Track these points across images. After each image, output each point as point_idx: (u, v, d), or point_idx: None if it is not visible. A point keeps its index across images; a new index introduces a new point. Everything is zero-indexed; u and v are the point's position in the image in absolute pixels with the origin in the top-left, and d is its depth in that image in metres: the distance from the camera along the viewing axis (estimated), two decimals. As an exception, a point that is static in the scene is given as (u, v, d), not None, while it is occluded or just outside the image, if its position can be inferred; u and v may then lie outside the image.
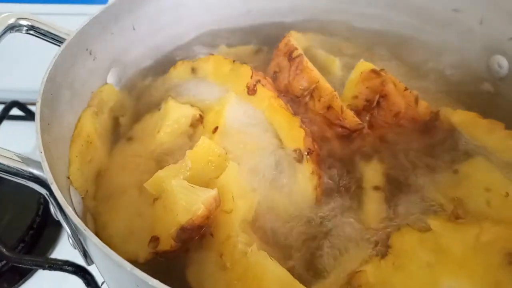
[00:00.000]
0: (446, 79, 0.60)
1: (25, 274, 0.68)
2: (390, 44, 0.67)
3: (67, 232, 0.43)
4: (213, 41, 0.68)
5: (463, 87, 0.59)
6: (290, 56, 0.56)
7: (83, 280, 0.56)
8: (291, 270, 0.38)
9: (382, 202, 0.45)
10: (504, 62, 0.59)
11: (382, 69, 0.53)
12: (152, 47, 0.65)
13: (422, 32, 0.67)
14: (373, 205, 0.45)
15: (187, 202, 0.39)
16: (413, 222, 0.43)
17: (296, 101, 0.54)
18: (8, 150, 0.39)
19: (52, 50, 0.48)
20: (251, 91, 0.51)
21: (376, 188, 0.47)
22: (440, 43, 0.66)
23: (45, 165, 0.37)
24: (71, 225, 0.41)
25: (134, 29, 0.61)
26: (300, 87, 0.55)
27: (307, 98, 0.54)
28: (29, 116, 0.86)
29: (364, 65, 0.53)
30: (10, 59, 0.89)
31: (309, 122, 0.51)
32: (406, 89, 0.52)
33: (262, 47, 0.66)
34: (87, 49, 0.53)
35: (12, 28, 0.49)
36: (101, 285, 0.58)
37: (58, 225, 0.67)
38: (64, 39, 0.50)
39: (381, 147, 0.51)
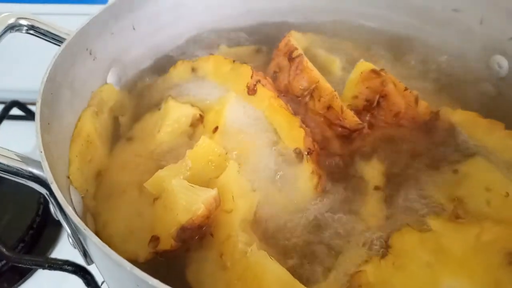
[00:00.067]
0: (446, 79, 0.60)
1: (25, 273, 0.68)
2: (390, 44, 0.67)
3: (67, 232, 0.43)
4: (213, 41, 0.68)
5: (463, 87, 0.59)
6: (290, 56, 0.56)
7: (83, 279, 0.56)
8: (291, 270, 0.38)
9: (382, 202, 0.45)
10: (504, 62, 0.59)
11: (382, 69, 0.53)
12: (152, 47, 0.65)
13: (422, 32, 0.67)
14: (373, 205, 0.45)
15: (187, 202, 0.39)
16: (413, 222, 0.43)
17: (296, 101, 0.54)
18: (8, 150, 0.39)
19: (52, 50, 0.48)
20: (251, 91, 0.51)
21: (376, 188, 0.47)
22: (440, 43, 0.66)
23: (45, 164, 0.37)
24: (71, 225, 0.41)
25: (134, 29, 0.61)
26: (300, 87, 0.55)
27: (307, 98, 0.54)
28: (29, 116, 0.86)
29: (364, 65, 0.53)
30: (10, 59, 0.89)
31: (309, 122, 0.51)
32: (406, 89, 0.52)
33: (262, 47, 0.66)
34: (87, 49, 0.53)
35: (12, 28, 0.49)
36: (101, 284, 0.58)
37: (58, 225, 0.68)
38: (64, 39, 0.50)
39: (381, 147, 0.51)
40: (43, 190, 0.40)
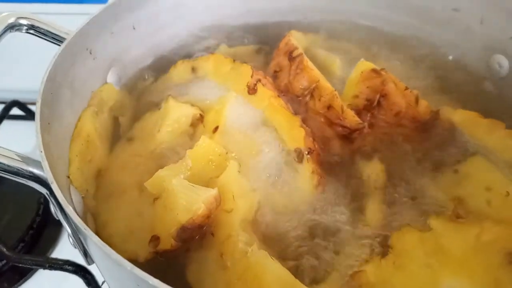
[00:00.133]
0: (446, 79, 0.60)
1: (25, 273, 0.68)
2: (391, 43, 0.67)
3: (68, 232, 0.43)
4: (213, 40, 0.68)
5: (463, 86, 0.59)
6: (290, 55, 0.56)
7: (83, 279, 0.56)
8: (291, 270, 0.38)
9: (382, 202, 0.45)
10: (504, 62, 0.59)
11: (382, 69, 0.53)
12: (152, 47, 0.65)
13: (422, 31, 0.67)
14: (374, 204, 0.45)
15: (187, 202, 0.39)
16: (414, 222, 0.43)
17: (296, 100, 0.54)
18: (8, 150, 0.39)
19: (52, 50, 0.48)
20: (252, 90, 0.51)
21: (377, 187, 0.47)
22: (440, 42, 0.66)
23: (45, 164, 0.37)
24: (71, 225, 0.41)
25: (134, 28, 0.61)
26: (300, 86, 0.55)
27: (307, 98, 0.54)
28: (29, 115, 0.86)
29: (364, 65, 0.53)
30: (10, 58, 0.89)
31: (309, 122, 0.51)
32: (406, 88, 0.52)
33: (263, 47, 0.66)
34: (87, 49, 0.53)
35: (12, 27, 0.49)
36: (102, 284, 0.58)
37: (58, 225, 0.67)
38: (64, 39, 0.50)
39: (382, 147, 0.51)
40: (43, 190, 0.40)
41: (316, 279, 0.40)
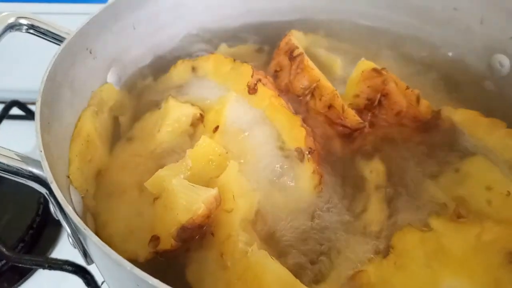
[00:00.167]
0: (447, 78, 0.60)
1: (25, 273, 0.68)
2: (391, 43, 0.67)
3: (67, 232, 0.43)
4: (214, 40, 0.68)
5: (464, 86, 0.59)
6: (291, 55, 0.56)
7: (83, 279, 0.56)
8: (292, 270, 0.38)
9: (383, 202, 0.45)
10: (505, 61, 0.59)
11: (383, 68, 0.53)
12: (152, 46, 0.65)
13: (422, 31, 0.67)
14: (375, 204, 0.45)
15: (187, 201, 0.39)
16: (415, 222, 0.43)
17: (297, 100, 0.54)
18: (8, 149, 0.39)
19: (52, 50, 0.48)
20: (252, 90, 0.50)
21: (378, 187, 0.47)
22: (440, 42, 0.66)
23: (45, 164, 0.37)
24: (71, 224, 0.41)
25: (134, 28, 0.61)
26: (301, 86, 0.54)
27: (308, 97, 0.54)
28: (29, 115, 0.86)
29: (365, 64, 0.53)
30: (10, 58, 0.89)
31: (310, 121, 0.51)
32: (407, 88, 0.52)
33: (263, 46, 0.66)
34: (87, 48, 0.53)
35: (12, 27, 0.49)
36: (101, 284, 0.58)
37: (58, 225, 0.67)
38: (64, 38, 0.50)
39: (383, 146, 0.51)
40: (43, 190, 0.40)
41: (316, 279, 0.40)
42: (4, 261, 0.67)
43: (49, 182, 0.36)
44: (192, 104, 0.53)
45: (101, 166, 0.50)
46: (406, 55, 0.64)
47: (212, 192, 0.40)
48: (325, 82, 0.53)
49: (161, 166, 0.44)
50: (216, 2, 0.69)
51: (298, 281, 0.36)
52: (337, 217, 0.44)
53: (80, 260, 0.49)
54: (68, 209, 0.34)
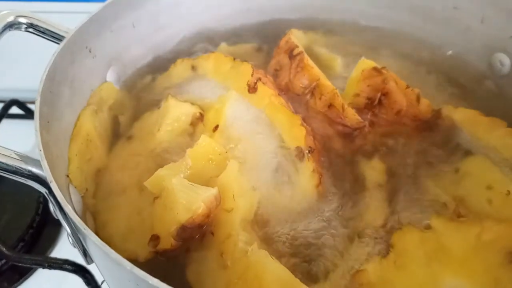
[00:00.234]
0: (447, 77, 0.60)
1: (25, 273, 0.68)
2: (391, 42, 0.66)
3: (67, 231, 0.43)
4: (213, 39, 0.68)
5: (464, 85, 0.59)
6: (290, 54, 0.56)
7: (83, 279, 0.56)
8: (292, 269, 0.38)
9: (383, 201, 0.45)
10: (506, 60, 0.59)
11: (383, 67, 0.53)
12: (151, 45, 0.65)
13: (423, 30, 0.67)
14: (375, 203, 0.45)
15: (187, 201, 0.39)
16: (415, 221, 0.42)
17: (297, 99, 0.54)
18: (7, 148, 0.39)
19: (51, 48, 0.48)
20: (252, 89, 0.50)
21: (378, 186, 0.46)
22: (441, 41, 0.66)
23: (44, 163, 0.37)
24: (71, 224, 0.41)
25: (134, 27, 0.61)
26: (301, 85, 0.54)
27: (308, 96, 0.53)
28: (28, 114, 0.86)
29: (365, 63, 0.53)
30: (9, 57, 0.89)
31: (310, 121, 0.51)
32: (407, 87, 0.52)
33: (263, 45, 0.66)
34: (86, 47, 0.53)
35: (11, 26, 0.49)
36: (101, 284, 0.58)
37: (58, 224, 0.67)
38: (63, 37, 0.50)
39: (383, 145, 0.51)
40: (42, 189, 0.40)
41: (316, 278, 0.40)
42: (4, 261, 0.67)
43: (49, 182, 0.36)
44: (192, 103, 0.53)
45: (101, 166, 0.50)
46: (406, 54, 0.64)
47: (212, 191, 0.40)
48: (325, 81, 0.53)
49: (161, 166, 0.44)
50: (216, 1, 0.69)
51: (298, 280, 0.36)
52: (337, 216, 0.44)
53: (80, 260, 0.49)
54: (68, 209, 0.34)
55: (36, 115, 0.41)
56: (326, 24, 0.70)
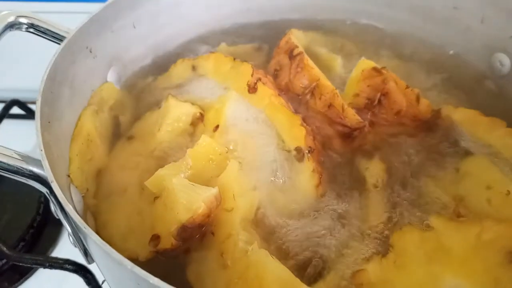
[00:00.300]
0: (447, 77, 0.60)
1: (26, 273, 0.68)
2: (391, 42, 0.67)
3: (68, 231, 0.43)
4: (214, 39, 0.68)
5: (464, 85, 0.59)
6: (290, 54, 0.56)
7: (83, 278, 0.56)
8: (292, 268, 0.38)
9: (383, 201, 0.45)
10: (506, 60, 0.59)
11: (383, 67, 0.53)
12: (152, 45, 0.65)
13: (423, 30, 0.67)
14: (375, 203, 0.45)
15: (187, 201, 0.39)
16: (415, 221, 0.43)
17: (297, 99, 0.54)
18: (8, 148, 0.39)
19: (52, 48, 0.48)
20: (252, 89, 0.50)
21: (377, 186, 0.47)
22: (441, 41, 0.66)
23: (45, 163, 0.37)
24: (72, 223, 0.41)
25: (134, 27, 0.61)
26: (301, 85, 0.54)
27: (308, 96, 0.54)
28: (29, 114, 0.86)
29: (365, 63, 0.53)
30: (10, 57, 0.89)
31: (310, 121, 0.51)
32: (407, 87, 0.52)
33: (263, 45, 0.66)
34: (87, 47, 0.53)
35: (12, 26, 0.49)
36: (102, 283, 0.58)
37: (59, 224, 0.67)
38: (64, 37, 0.50)
39: (382, 145, 0.51)
40: (43, 189, 0.40)
41: (316, 278, 0.40)
42: (4, 260, 0.67)
43: (50, 181, 0.36)
44: (192, 103, 0.53)
45: (102, 165, 0.50)
46: (406, 54, 0.64)
47: (213, 191, 0.40)
48: (325, 81, 0.53)
49: (161, 165, 0.44)
50: (216, 1, 0.69)
51: (298, 280, 0.36)
52: (337, 216, 0.44)
53: (80, 259, 0.49)
54: (69, 208, 0.34)
55: (37, 115, 0.41)
56: (326, 24, 0.70)
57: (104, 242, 0.31)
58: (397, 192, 0.46)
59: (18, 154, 0.39)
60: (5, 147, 0.39)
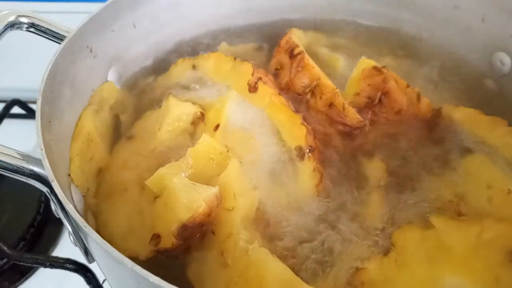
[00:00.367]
0: (448, 76, 0.60)
1: (26, 272, 0.68)
2: (392, 41, 0.67)
3: (68, 230, 0.43)
4: (214, 39, 0.68)
5: (465, 84, 0.59)
6: (291, 53, 0.56)
7: (84, 278, 0.56)
8: (292, 267, 0.38)
9: (384, 200, 0.45)
10: (506, 59, 0.59)
11: (384, 66, 0.53)
12: (152, 45, 0.65)
13: (423, 29, 0.67)
14: (375, 202, 0.45)
15: (188, 200, 0.39)
16: (416, 220, 0.43)
17: (297, 98, 0.54)
18: (9, 148, 0.39)
19: (52, 48, 0.48)
20: (252, 88, 0.50)
21: (378, 185, 0.47)
22: (441, 40, 0.66)
23: (45, 162, 0.37)
24: (72, 223, 0.41)
25: (135, 27, 0.61)
26: (301, 84, 0.54)
27: (308, 96, 0.54)
28: (30, 114, 0.86)
29: (366, 62, 0.53)
30: (11, 57, 0.89)
31: (310, 120, 0.51)
32: (408, 86, 0.52)
33: (263, 45, 0.66)
34: (87, 47, 0.53)
35: (13, 25, 0.49)
36: (102, 282, 0.58)
37: (59, 223, 0.67)
38: (65, 37, 0.50)
39: (383, 145, 0.51)
40: (44, 188, 0.40)
41: (317, 277, 0.40)
42: (5, 260, 0.67)
43: (50, 181, 0.36)
44: (193, 103, 0.53)
45: (102, 165, 0.50)
46: (407, 53, 0.64)
47: (213, 190, 0.40)
48: (326, 81, 0.53)
49: (162, 165, 0.44)
50: (216, 1, 0.69)
51: (299, 279, 0.36)
52: (337, 215, 0.44)
53: (81, 259, 0.49)
54: (69, 207, 0.34)
55: (38, 114, 0.41)
56: (326, 24, 0.70)
57: (104, 241, 0.31)
58: (397, 190, 0.46)
59: (19, 154, 0.39)
60: (6, 147, 0.39)
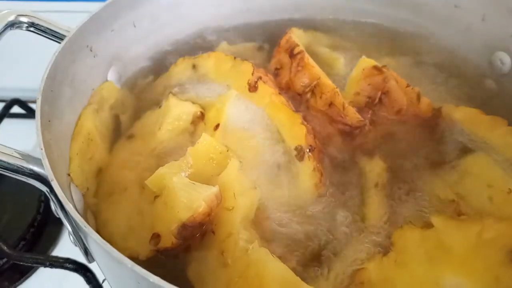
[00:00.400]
0: (448, 76, 0.60)
1: (26, 272, 0.68)
2: (392, 40, 0.67)
3: (68, 229, 0.43)
4: (214, 38, 0.68)
5: (465, 83, 0.59)
6: (291, 52, 0.56)
7: (84, 277, 0.56)
8: (292, 267, 0.38)
9: (384, 199, 0.45)
10: (506, 59, 0.59)
11: (384, 66, 0.53)
12: (152, 44, 0.65)
13: (424, 28, 0.67)
14: (375, 202, 0.45)
15: (188, 199, 0.39)
16: (416, 219, 0.43)
17: (297, 98, 0.54)
18: (9, 147, 0.39)
19: (52, 47, 0.48)
20: (252, 88, 0.50)
21: (378, 184, 0.46)
22: (441, 39, 0.66)
23: (45, 162, 0.37)
24: (72, 222, 0.41)
25: (135, 26, 0.61)
26: (301, 84, 0.54)
27: (308, 95, 0.54)
28: (30, 114, 0.86)
29: (366, 62, 0.53)
30: (11, 56, 0.89)
31: (310, 119, 0.51)
32: (408, 85, 0.52)
33: (263, 44, 0.66)
34: (87, 46, 0.53)
35: (13, 25, 0.49)
36: (102, 282, 0.58)
37: (59, 223, 0.67)
38: (65, 36, 0.50)
39: (383, 144, 0.51)
40: (43, 188, 0.40)
41: (317, 277, 0.40)
42: (5, 259, 0.67)
43: (50, 180, 0.36)
44: (193, 102, 0.53)
45: (102, 164, 0.50)
46: (407, 53, 0.64)
47: (213, 190, 0.40)
48: (326, 80, 0.53)
49: (162, 164, 0.44)
50: (216, 1, 0.69)
51: (298, 278, 0.36)
52: (337, 215, 0.44)
53: (81, 258, 0.49)
54: (69, 207, 0.34)
55: (37, 113, 0.41)
56: (326, 24, 0.70)
57: (104, 241, 0.31)
58: (397, 190, 0.46)
59: (19, 153, 0.39)
60: (6, 146, 0.39)
